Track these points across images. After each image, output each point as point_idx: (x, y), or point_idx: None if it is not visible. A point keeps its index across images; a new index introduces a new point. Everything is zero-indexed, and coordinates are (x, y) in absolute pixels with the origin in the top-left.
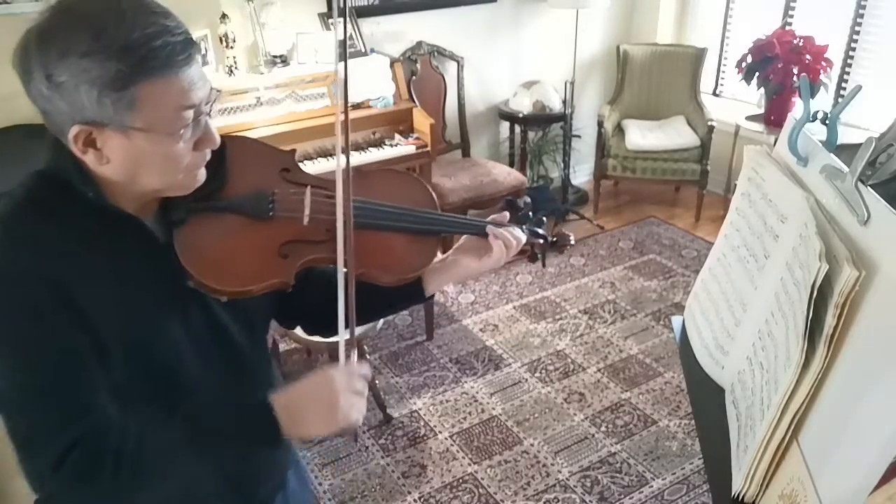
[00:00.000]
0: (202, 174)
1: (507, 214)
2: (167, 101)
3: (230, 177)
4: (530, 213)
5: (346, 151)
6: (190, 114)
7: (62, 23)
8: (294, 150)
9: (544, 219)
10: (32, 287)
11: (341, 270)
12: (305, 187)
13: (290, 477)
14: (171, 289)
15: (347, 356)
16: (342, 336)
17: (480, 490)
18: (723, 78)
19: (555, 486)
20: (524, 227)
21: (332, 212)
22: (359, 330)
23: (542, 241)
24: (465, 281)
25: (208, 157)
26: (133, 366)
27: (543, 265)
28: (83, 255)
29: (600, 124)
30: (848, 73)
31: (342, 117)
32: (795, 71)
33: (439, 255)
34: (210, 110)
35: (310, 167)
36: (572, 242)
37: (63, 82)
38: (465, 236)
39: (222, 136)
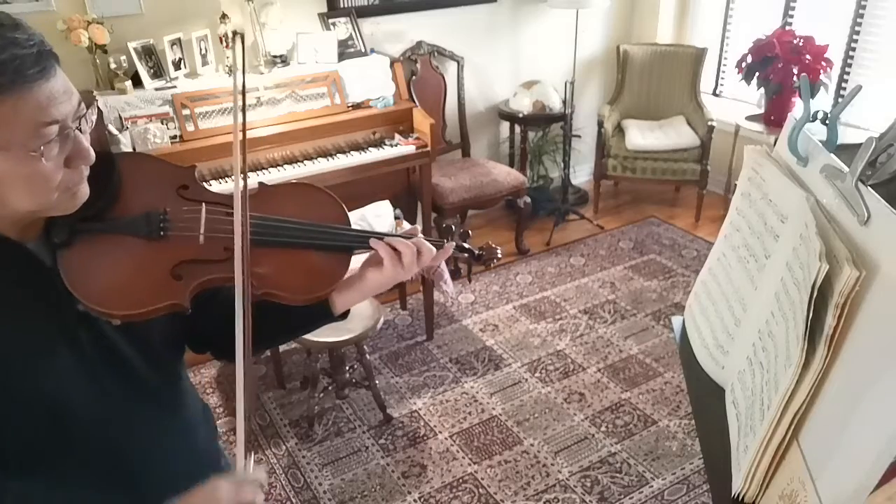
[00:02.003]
0: (84, 191)
1: (417, 227)
2: (22, 118)
3: (121, 195)
4: (453, 227)
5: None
6: (53, 130)
7: None
8: (194, 167)
9: (469, 232)
10: None
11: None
12: (201, 205)
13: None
14: (57, 315)
15: (245, 461)
16: (240, 436)
17: (480, 490)
18: (723, 78)
19: (555, 486)
20: (446, 241)
21: (230, 230)
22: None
23: (466, 255)
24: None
25: (86, 173)
26: (7, 400)
27: (469, 280)
28: None
29: (600, 124)
30: (848, 73)
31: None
32: (795, 71)
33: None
34: (80, 125)
35: (309, 167)
36: (499, 256)
37: None
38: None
39: (115, 154)
